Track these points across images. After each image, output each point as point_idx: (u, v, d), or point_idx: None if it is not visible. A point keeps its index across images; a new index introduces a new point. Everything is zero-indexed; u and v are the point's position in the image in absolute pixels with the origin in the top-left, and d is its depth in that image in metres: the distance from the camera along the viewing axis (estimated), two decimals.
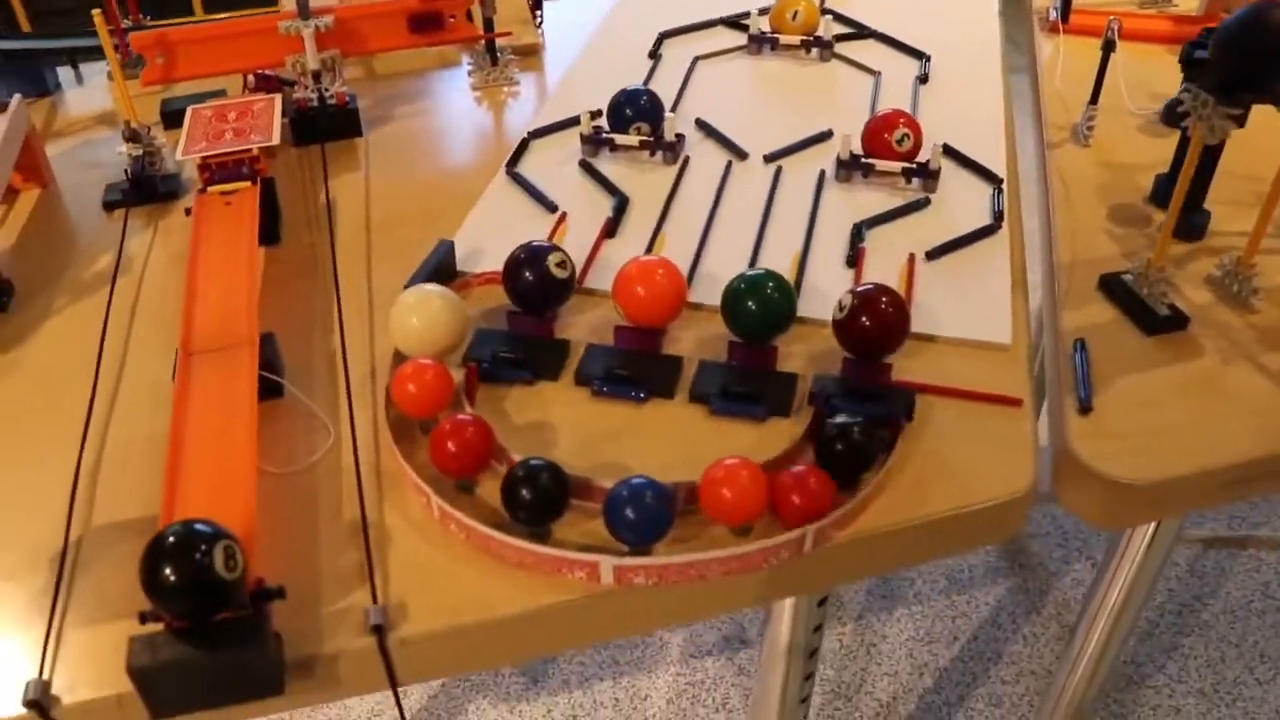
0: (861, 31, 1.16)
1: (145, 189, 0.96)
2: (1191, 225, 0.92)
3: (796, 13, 1.11)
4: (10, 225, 0.96)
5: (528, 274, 0.77)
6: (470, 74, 1.13)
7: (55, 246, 0.93)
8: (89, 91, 1.17)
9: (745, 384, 0.73)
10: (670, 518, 0.62)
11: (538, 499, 0.63)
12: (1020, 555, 1.69)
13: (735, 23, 1.18)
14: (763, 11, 1.16)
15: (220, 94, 1.08)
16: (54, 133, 1.10)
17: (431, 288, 0.76)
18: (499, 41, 1.12)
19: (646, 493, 0.62)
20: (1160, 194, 0.97)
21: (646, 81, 1.09)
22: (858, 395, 0.72)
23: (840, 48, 1.13)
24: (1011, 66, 1.18)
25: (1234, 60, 0.73)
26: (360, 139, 1.04)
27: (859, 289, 0.73)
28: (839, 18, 1.19)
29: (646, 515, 0.62)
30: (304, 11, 0.99)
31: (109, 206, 0.96)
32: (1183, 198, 0.80)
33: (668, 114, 0.95)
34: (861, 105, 1.05)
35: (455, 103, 1.11)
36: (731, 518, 0.63)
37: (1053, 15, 1.24)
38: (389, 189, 0.98)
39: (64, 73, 1.19)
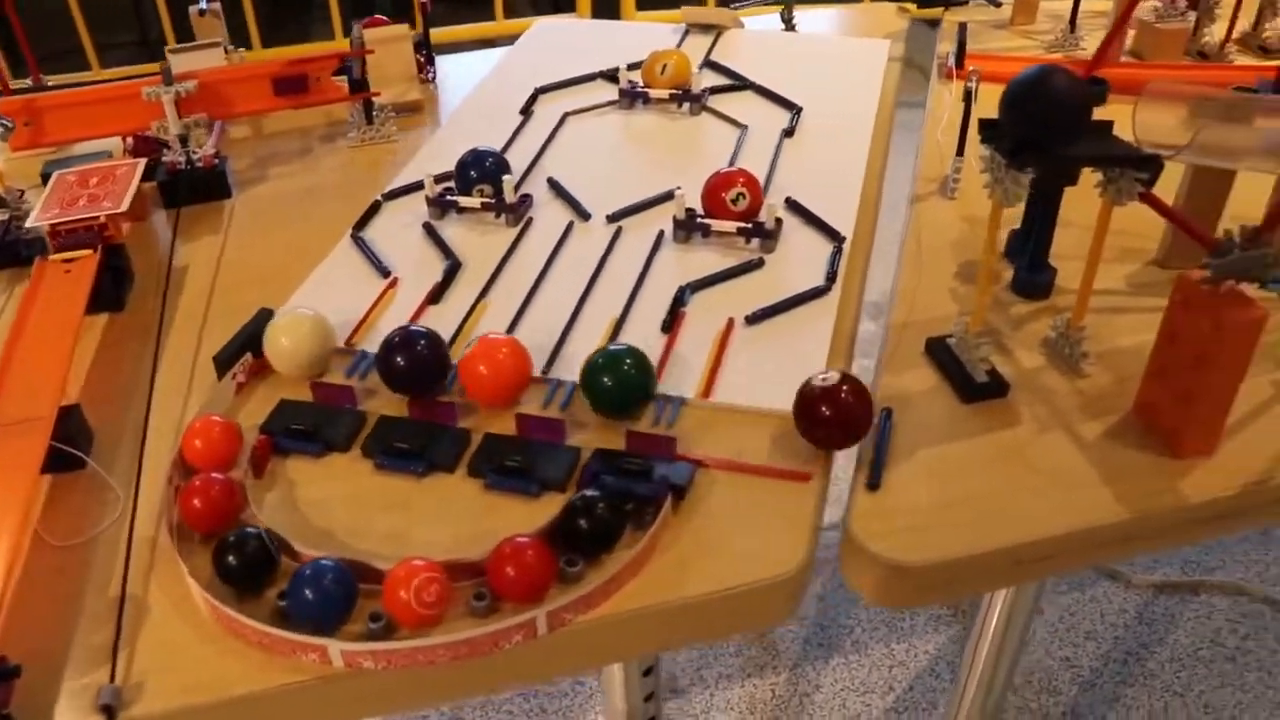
0: (739, 83, 1.16)
1: (8, 253, 0.98)
2: (1035, 284, 0.90)
3: (666, 66, 1.10)
4: None
5: None
6: (348, 133, 1.14)
7: None
8: None
9: (524, 458, 0.73)
10: (347, 606, 0.63)
11: (241, 566, 0.65)
12: (963, 602, 1.65)
13: (613, 76, 1.18)
14: (635, 65, 1.15)
15: (105, 155, 1.10)
16: None
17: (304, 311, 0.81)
18: (381, 99, 1.13)
19: (327, 576, 0.62)
20: (1013, 249, 0.95)
21: (513, 139, 1.09)
22: (630, 471, 0.71)
23: (716, 100, 1.13)
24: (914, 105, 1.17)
25: (1019, 123, 0.71)
26: (229, 201, 1.06)
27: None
28: (720, 69, 1.18)
29: (325, 599, 0.62)
30: (166, 78, 1.00)
31: None
32: (992, 259, 0.78)
33: (505, 177, 0.95)
34: (725, 160, 1.04)
35: (331, 162, 1.12)
36: (407, 621, 0.62)
37: (950, 61, 1.22)
38: (244, 252, 0.99)
39: None
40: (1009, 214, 0.96)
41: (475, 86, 1.21)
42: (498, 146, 1.07)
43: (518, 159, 1.04)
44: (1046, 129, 0.71)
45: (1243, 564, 1.67)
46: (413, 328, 0.79)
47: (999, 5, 1.42)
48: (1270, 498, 0.75)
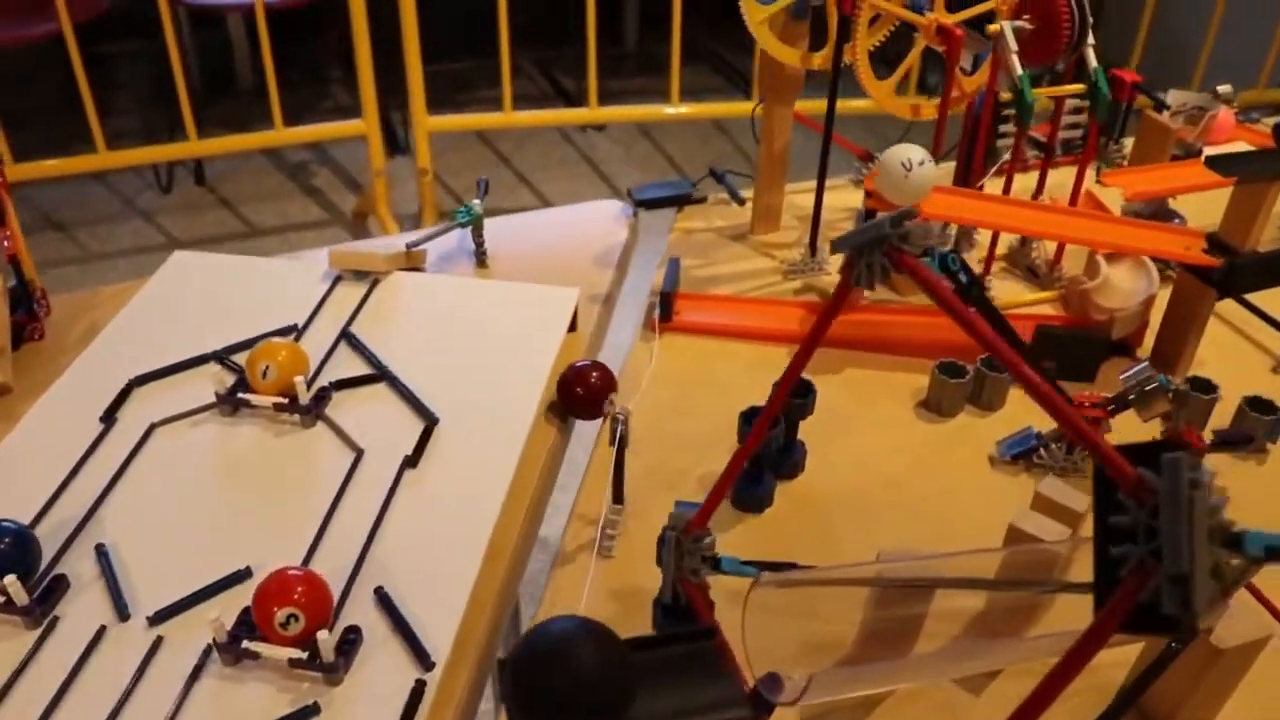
0: (374, 373, 0.95)
1: None
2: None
3: (268, 369, 0.89)
4: None
5: None
6: None
7: None
8: None
9: None
10: None
11: None
12: None
13: (222, 359, 0.96)
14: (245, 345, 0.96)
15: None
16: None
17: None
18: None
19: None
20: None
21: (82, 463, 0.87)
22: None
23: (340, 398, 0.92)
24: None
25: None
26: None
27: None
28: (357, 346, 0.97)
29: None
30: None
31: None
32: None
33: (9, 579, 0.74)
34: (325, 503, 0.84)
35: None
36: None
37: (657, 311, 1.03)
38: None
39: None
40: None
41: (83, 352, 0.99)
42: (64, 473, 0.87)
43: (74, 505, 0.84)
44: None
45: None
46: None
47: (742, 203, 1.22)
48: None
